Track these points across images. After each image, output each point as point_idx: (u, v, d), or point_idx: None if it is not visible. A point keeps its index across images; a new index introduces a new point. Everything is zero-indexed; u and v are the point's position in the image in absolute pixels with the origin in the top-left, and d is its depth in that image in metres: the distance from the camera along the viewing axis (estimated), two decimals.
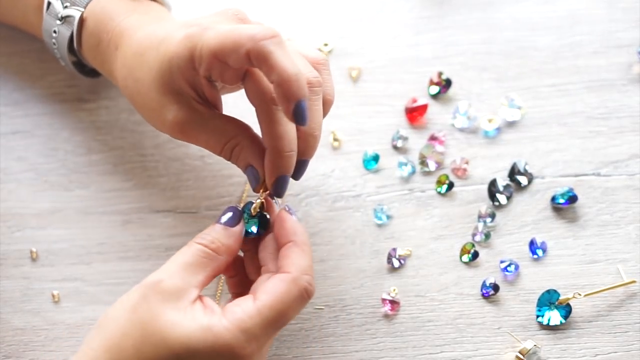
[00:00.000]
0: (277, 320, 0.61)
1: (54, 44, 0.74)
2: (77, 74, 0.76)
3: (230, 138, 0.65)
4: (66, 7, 0.72)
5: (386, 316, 0.73)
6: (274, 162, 0.64)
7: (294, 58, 0.62)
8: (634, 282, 0.73)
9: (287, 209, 0.66)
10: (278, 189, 0.65)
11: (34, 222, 0.76)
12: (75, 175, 0.77)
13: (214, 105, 0.66)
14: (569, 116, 0.80)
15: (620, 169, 0.77)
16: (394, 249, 0.75)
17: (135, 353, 0.60)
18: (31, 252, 0.75)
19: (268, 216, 0.66)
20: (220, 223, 0.65)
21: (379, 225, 0.76)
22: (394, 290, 0.73)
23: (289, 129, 0.64)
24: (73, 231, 0.76)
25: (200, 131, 0.66)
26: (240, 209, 0.66)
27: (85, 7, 0.71)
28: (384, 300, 0.73)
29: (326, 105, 0.67)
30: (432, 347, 0.72)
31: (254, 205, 0.66)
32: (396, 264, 0.74)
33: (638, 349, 0.71)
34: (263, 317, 0.61)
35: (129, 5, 0.71)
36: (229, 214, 0.65)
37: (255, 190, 0.66)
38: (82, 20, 0.72)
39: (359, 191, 0.77)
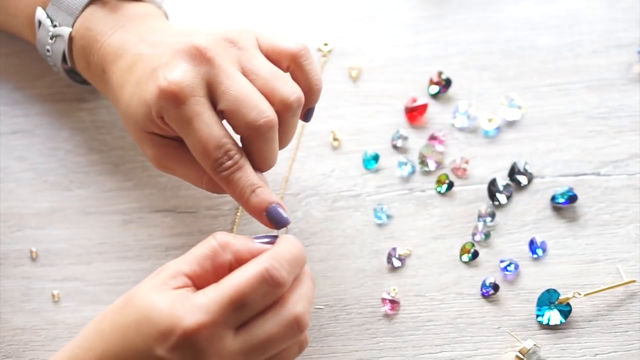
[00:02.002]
0: (234, 299, 0.58)
1: (49, 58, 0.74)
2: (76, 84, 0.77)
3: (205, 173, 0.66)
4: (55, 26, 0.72)
5: (386, 316, 0.73)
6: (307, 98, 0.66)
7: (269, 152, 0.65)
8: (633, 281, 0.73)
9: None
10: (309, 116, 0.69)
11: (33, 222, 0.76)
12: (75, 174, 0.77)
13: None
14: (569, 116, 0.80)
15: (620, 169, 0.77)
16: (394, 249, 0.75)
17: (112, 320, 0.60)
18: (31, 251, 0.75)
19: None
20: (254, 237, 0.63)
21: (379, 225, 0.76)
22: (394, 289, 0.73)
23: (275, 153, 0.65)
24: (73, 231, 0.76)
25: (177, 166, 0.67)
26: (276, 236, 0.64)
27: (72, 27, 0.71)
28: (383, 299, 0.73)
29: (313, 95, 0.67)
30: (432, 346, 0.72)
31: None
32: (396, 263, 0.74)
33: (638, 348, 0.71)
34: (220, 302, 0.58)
35: (111, 20, 0.71)
36: (266, 240, 0.63)
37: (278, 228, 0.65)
38: (71, 39, 0.72)
39: (359, 191, 0.77)
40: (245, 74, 0.65)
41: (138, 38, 0.69)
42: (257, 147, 0.64)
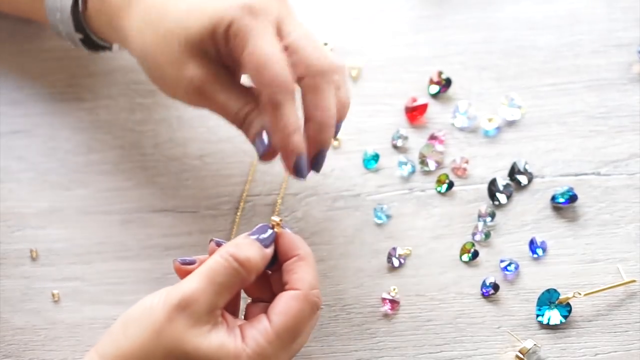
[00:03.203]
0: (293, 339, 0.62)
1: (59, 21, 0.72)
2: (83, 48, 0.74)
3: (248, 102, 0.65)
4: None
5: (386, 315, 0.73)
6: (316, 134, 0.64)
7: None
8: (634, 281, 0.73)
9: (283, 227, 0.65)
10: (319, 163, 0.66)
11: (33, 222, 0.76)
12: (75, 174, 0.77)
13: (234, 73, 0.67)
14: (569, 115, 0.80)
15: (620, 168, 0.77)
16: (394, 249, 0.75)
17: None
18: (31, 251, 0.75)
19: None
20: (257, 239, 0.63)
21: (379, 225, 0.76)
22: (394, 289, 0.73)
23: (333, 102, 0.64)
24: (73, 230, 0.76)
25: (219, 92, 0.65)
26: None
27: None
28: (383, 299, 0.73)
29: (345, 109, 0.67)
30: (432, 346, 0.72)
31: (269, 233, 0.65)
32: (396, 263, 0.74)
33: (638, 348, 0.71)
34: (281, 339, 0.61)
35: None
36: (268, 233, 0.64)
37: (263, 157, 0.65)
38: None
39: (359, 190, 0.77)
40: None
41: None
42: (317, 89, 0.64)
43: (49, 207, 0.76)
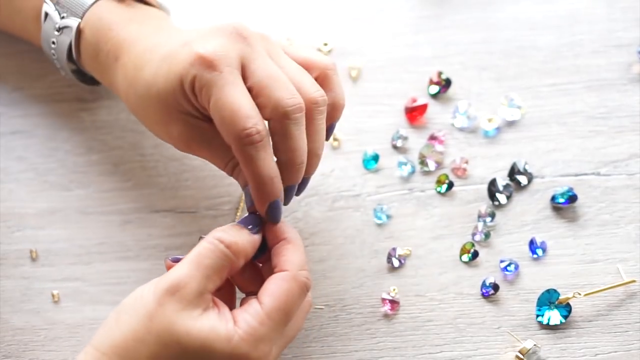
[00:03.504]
0: (285, 319, 0.62)
1: (53, 54, 0.74)
2: (77, 82, 0.76)
3: (232, 157, 0.66)
4: (63, 17, 0.72)
5: (386, 316, 0.73)
6: (285, 174, 0.64)
7: (287, 90, 0.63)
8: (634, 281, 0.73)
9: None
10: (288, 197, 0.66)
11: (33, 222, 0.76)
12: (74, 175, 0.77)
13: None
14: (569, 116, 0.80)
15: (620, 169, 0.77)
16: (394, 249, 0.75)
17: None
18: (31, 251, 0.75)
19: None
20: (245, 226, 0.64)
21: (379, 225, 0.76)
22: (394, 289, 0.73)
23: (303, 141, 0.64)
24: (73, 231, 0.76)
25: (204, 147, 0.67)
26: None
27: (82, 17, 0.71)
28: (383, 299, 0.73)
29: (337, 111, 0.68)
30: (431, 346, 0.72)
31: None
32: (396, 263, 0.74)
33: (638, 348, 0.71)
34: (273, 320, 0.61)
35: (127, 14, 0.71)
36: (254, 220, 0.65)
37: (250, 209, 0.66)
38: (79, 31, 0.71)
39: (359, 191, 0.77)
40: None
41: (157, 29, 0.69)
42: (284, 132, 0.63)
43: (48, 207, 0.76)
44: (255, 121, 0.62)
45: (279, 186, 0.64)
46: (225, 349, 0.60)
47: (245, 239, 0.63)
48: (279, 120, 0.63)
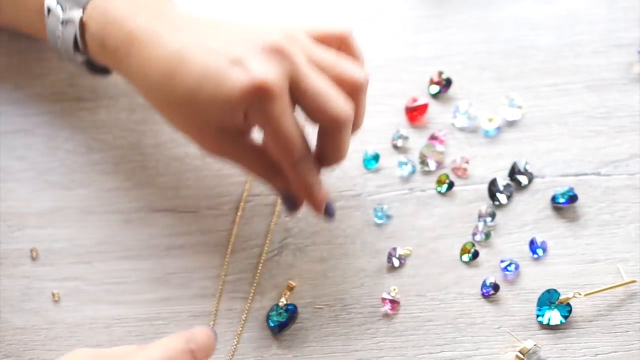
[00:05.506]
0: None
1: (61, 48, 0.73)
2: (89, 73, 0.75)
3: (267, 165, 0.67)
4: (65, 9, 0.71)
5: (386, 316, 0.73)
6: (324, 168, 0.69)
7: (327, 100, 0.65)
8: (634, 281, 0.73)
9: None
10: (333, 207, 0.71)
11: (34, 221, 0.76)
12: (75, 174, 0.77)
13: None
14: (569, 115, 0.80)
15: (620, 169, 0.77)
16: (394, 249, 0.75)
17: None
18: (31, 251, 0.75)
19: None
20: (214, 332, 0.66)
21: (379, 225, 0.76)
22: (394, 289, 0.73)
23: (347, 144, 0.68)
24: (73, 230, 0.76)
25: (238, 158, 0.68)
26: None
27: (83, 11, 0.70)
28: (384, 299, 0.73)
29: (359, 121, 0.70)
30: (432, 346, 0.72)
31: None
32: (396, 263, 0.74)
33: (638, 348, 0.71)
34: None
35: (131, 2, 0.69)
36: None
37: (291, 215, 0.69)
38: (82, 24, 0.70)
39: (359, 190, 0.77)
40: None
41: (168, 22, 0.67)
42: (333, 139, 0.67)
43: (49, 206, 0.76)
44: (305, 145, 0.66)
45: (326, 190, 0.69)
46: None
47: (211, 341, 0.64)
48: (331, 128, 0.66)
